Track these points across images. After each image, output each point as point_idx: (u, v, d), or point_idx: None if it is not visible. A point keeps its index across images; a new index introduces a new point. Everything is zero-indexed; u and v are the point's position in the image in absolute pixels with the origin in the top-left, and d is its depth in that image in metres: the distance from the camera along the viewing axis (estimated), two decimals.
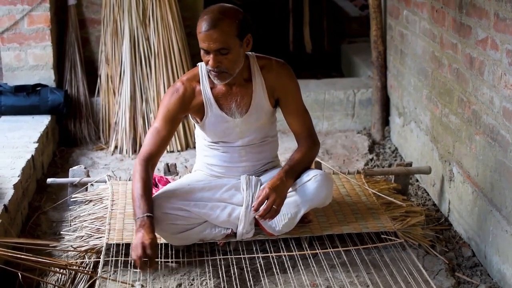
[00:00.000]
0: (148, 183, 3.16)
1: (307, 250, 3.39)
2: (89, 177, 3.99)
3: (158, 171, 4.28)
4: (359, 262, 3.30)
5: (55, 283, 3.15)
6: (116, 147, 5.05)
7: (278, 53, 6.75)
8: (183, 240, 3.27)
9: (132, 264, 3.05)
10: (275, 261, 3.31)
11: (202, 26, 3.07)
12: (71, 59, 5.22)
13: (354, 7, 8.00)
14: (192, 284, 3.15)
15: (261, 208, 3.15)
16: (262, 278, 3.18)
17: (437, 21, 4.01)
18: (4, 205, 3.50)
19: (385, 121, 5.28)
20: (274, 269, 3.24)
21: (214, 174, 3.48)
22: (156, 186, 3.67)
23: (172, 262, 3.28)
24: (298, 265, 3.29)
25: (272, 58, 3.40)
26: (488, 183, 3.36)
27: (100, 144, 5.14)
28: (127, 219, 3.53)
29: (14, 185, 3.73)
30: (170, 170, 4.06)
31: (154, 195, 3.27)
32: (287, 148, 4.95)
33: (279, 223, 3.35)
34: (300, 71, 6.38)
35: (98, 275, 3.10)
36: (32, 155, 4.21)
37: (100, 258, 3.23)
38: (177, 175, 4.00)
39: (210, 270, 3.22)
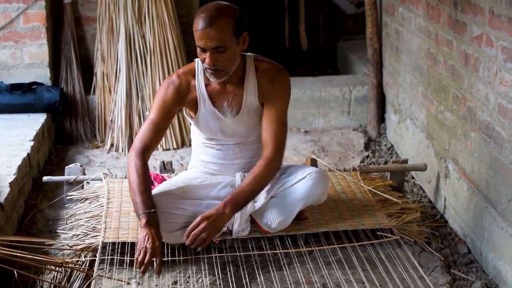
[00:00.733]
0: (147, 175, 3.17)
1: (302, 247, 3.39)
2: (85, 175, 3.99)
3: (154, 168, 4.28)
4: (355, 259, 3.30)
5: (51, 281, 3.15)
6: (112, 145, 5.05)
7: (274, 50, 6.79)
8: (179, 238, 3.26)
9: (134, 264, 3.04)
10: (271, 258, 3.31)
11: (199, 24, 3.06)
12: (67, 57, 5.22)
13: (350, 5, 8.00)
14: (187, 282, 3.15)
15: (190, 235, 3.05)
16: (257, 275, 3.18)
17: (433, 18, 4.02)
18: (0, 203, 3.50)
19: (381, 118, 5.29)
20: (270, 267, 3.24)
21: (209, 171, 3.48)
22: (152, 183, 3.67)
23: (167, 260, 3.28)
24: (294, 262, 3.29)
25: (274, 63, 3.35)
26: (484, 180, 3.37)
27: (96, 142, 5.14)
28: (122, 217, 3.53)
29: (10, 183, 3.73)
30: (166, 167, 4.05)
31: None
32: None
33: (275, 221, 3.35)
34: (296, 68, 6.41)
35: (94, 273, 3.11)
36: (28, 153, 4.20)
37: (96, 256, 3.23)
38: (173, 172, 4.00)
39: (205, 268, 3.22)
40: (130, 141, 5.02)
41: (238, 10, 3.14)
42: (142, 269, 2.96)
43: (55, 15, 5.27)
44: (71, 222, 3.61)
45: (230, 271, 3.20)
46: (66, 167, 3.98)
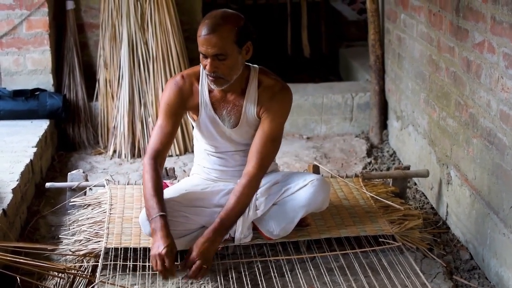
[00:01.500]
0: (158, 181, 3.19)
1: (305, 254, 3.39)
2: (88, 181, 3.99)
3: None
4: (357, 265, 3.30)
5: (54, 287, 3.15)
6: (114, 151, 5.05)
7: (276, 57, 6.80)
8: (181, 245, 3.26)
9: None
10: (273, 265, 3.31)
11: (202, 30, 3.07)
12: (70, 64, 5.23)
13: (352, 11, 8.02)
14: None
15: (190, 272, 3.08)
16: (260, 282, 3.18)
17: (434, 25, 4.02)
18: (3, 209, 3.50)
19: (383, 124, 5.29)
20: (272, 273, 3.24)
21: (211, 178, 3.48)
22: None
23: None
24: (296, 268, 3.29)
25: (279, 80, 3.33)
26: (486, 186, 3.37)
27: (98, 149, 5.14)
28: (125, 223, 3.54)
29: (12, 189, 3.74)
30: (169, 174, 4.06)
31: None
32: (285, 152, 4.96)
33: (277, 228, 3.36)
34: (298, 75, 6.42)
35: (97, 279, 3.11)
36: (30, 160, 4.21)
37: (98, 262, 3.24)
38: (176, 179, 4.01)
39: (208, 274, 3.22)
40: (133, 147, 5.03)
41: (243, 19, 3.14)
42: (162, 276, 3.02)
43: (58, 21, 5.29)
44: (73, 228, 3.61)
45: (232, 278, 3.20)
46: (69, 173, 3.98)
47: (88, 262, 3.32)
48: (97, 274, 3.15)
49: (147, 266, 3.23)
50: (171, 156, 5.01)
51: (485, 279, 3.35)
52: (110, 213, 3.62)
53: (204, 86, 3.29)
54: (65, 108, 5.00)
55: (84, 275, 3.20)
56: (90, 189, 3.96)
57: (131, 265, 3.23)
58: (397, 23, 4.86)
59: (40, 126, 4.81)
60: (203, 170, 3.51)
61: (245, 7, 7.42)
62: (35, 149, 4.38)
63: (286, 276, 3.23)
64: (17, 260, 3.01)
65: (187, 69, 3.41)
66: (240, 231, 3.32)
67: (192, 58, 5.28)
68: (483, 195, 3.40)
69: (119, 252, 3.31)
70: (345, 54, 6.79)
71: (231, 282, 3.16)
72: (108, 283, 3.12)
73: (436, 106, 4.05)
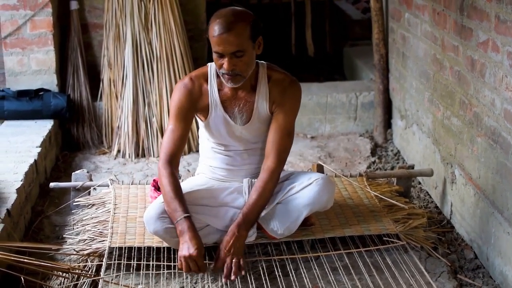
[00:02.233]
0: (177, 184, 3.21)
1: (309, 253, 3.39)
2: (92, 181, 4.00)
3: None
4: (361, 264, 3.30)
5: (58, 286, 3.16)
6: (118, 151, 5.06)
7: (281, 56, 6.80)
8: None
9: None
10: (277, 264, 3.31)
11: (216, 30, 3.07)
12: (74, 64, 5.24)
13: (356, 10, 8.01)
14: None
15: (224, 272, 3.12)
16: (264, 281, 3.18)
17: (439, 24, 4.02)
18: (7, 209, 3.51)
19: (387, 123, 5.29)
20: (276, 272, 3.24)
21: (216, 177, 3.48)
22: (158, 189, 3.68)
23: (175, 265, 3.28)
24: (300, 268, 3.29)
25: (287, 73, 3.37)
26: (490, 185, 3.36)
27: (102, 148, 5.15)
28: (129, 222, 3.54)
29: (17, 189, 3.75)
30: None
31: (156, 199, 3.29)
32: (291, 151, 4.94)
33: (281, 227, 3.36)
34: (302, 74, 6.42)
35: (101, 278, 3.11)
36: (35, 160, 4.22)
37: (102, 261, 3.24)
38: (180, 178, 4.00)
39: (212, 274, 3.22)
40: (137, 147, 5.03)
41: (252, 15, 3.17)
42: (194, 274, 3.12)
43: (62, 22, 5.29)
44: (77, 228, 3.62)
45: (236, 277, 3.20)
46: (73, 173, 3.99)
47: (92, 262, 3.32)
48: (101, 273, 3.15)
49: (151, 265, 3.23)
50: None
51: (490, 278, 3.35)
52: (114, 213, 3.62)
53: (213, 86, 3.30)
54: (69, 108, 5.01)
55: (88, 275, 3.21)
56: (94, 189, 3.97)
57: (135, 265, 3.23)
58: (401, 22, 4.85)
59: (44, 126, 4.82)
60: (209, 169, 3.50)
61: (249, 7, 7.41)
62: (39, 149, 4.39)
63: (291, 275, 3.22)
64: (22, 260, 3.02)
65: (194, 71, 3.41)
66: None
67: (196, 58, 5.29)
68: (488, 194, 3.39)
69: (123, 252, 3.32)
70: (349, 53, 6.78)
71: (235, 282, 3.16)
72: (112, 282, 3.12)
73: (440, 105, 4.05)
